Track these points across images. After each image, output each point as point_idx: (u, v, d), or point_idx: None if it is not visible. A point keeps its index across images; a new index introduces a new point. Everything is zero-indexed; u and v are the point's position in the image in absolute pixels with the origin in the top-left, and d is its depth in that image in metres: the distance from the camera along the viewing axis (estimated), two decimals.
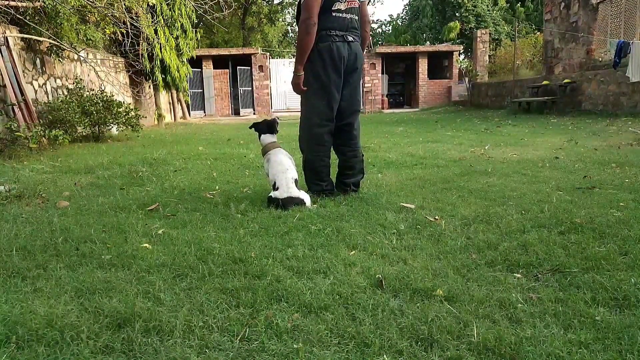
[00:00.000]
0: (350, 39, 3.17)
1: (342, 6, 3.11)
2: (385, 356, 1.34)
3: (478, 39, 20.12)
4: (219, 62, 20.51)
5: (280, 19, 33.05)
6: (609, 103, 10.11)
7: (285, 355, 1.35)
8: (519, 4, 26.48)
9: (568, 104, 11.40)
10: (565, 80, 11.44)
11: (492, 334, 1.42)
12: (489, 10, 26.52)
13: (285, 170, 3.08)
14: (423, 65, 21.14)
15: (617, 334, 1.41)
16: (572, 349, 1.34)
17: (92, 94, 8.09)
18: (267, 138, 3.32)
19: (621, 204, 2.89)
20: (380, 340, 1.41)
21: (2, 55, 6.40)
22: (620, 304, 1.61)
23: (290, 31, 37.18)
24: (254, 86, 20.37)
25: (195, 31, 12.88)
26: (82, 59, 9.28)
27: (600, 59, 11.37)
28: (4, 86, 6.47)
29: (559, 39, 12.78)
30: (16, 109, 6.51)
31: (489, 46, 21.07)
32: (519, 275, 1.89)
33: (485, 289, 1.76)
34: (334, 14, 3.09)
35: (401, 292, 1.75)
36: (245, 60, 20.37)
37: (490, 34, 22.10)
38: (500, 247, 2.20)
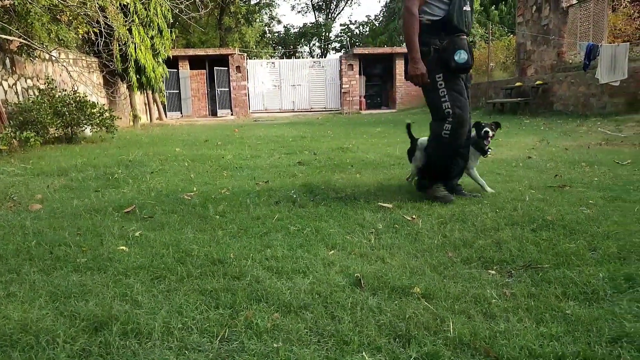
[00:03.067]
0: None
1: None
2: (364, 353, 1.36)
3: None
4: (196, 63, 20.30)
5: (258, 20, 32.93)
6: (579, 104, 10.41)
7: (265, 355, 1.36)
8: (492, 7, 27.00)
9: (540, 105, 11.69)
10: (538, 82, 11.72)
11: (468, 329, 1.46)
12: None
13: None
14: (400, 67, 21.34)
15: (586, 327, 1.46)
16: (543, 342, 1.39)
17: (65, 95, 7.91)
18: None
19: (590, 201, 2.99)
20: (359, 338, 1.43)
21: None
22: (590, 297, 1.67)
23: (267, 32, 37.10)
24: (231, 87, 20.24)
25: (171, 31, 12.73)
26: (53, 58, 9.07)
27: (571, 61, 11.70)
28: None
29: (531, 41, 13.09)
30: None
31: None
32: (493, 272, 1.94)
33: (461, 286, 1.80)
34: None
35: (379, 290, 1.78)
36: (223, 60, 20.22)
37: None
38: (476, 244, 2.25)
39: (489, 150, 3.43)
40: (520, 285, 1.79)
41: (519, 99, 12.13)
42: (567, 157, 5.00)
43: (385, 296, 1.73)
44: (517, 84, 12.58)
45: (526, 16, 13.28)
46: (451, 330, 1.46)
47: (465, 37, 3.05)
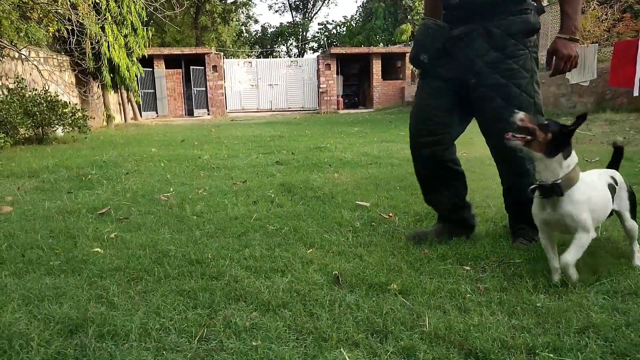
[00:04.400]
0: None
1: None
2: (342, 349, 1.38)
3: None
4: (172, 62, 20.01)
5: (234, 19, 32.68)
6: (549, 104, 10.68)
7: (244, 353, 1.37)
8: None
9: None
10: None
11: (443, 323, 1.50)
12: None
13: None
14: (377, 66, 21.51)
15: (556, 318, 1.52)
16: (515, 334, 1.43)
17: (35, 94, 7.70)
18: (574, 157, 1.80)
19: None
20: (338, 334, 1.45)
21: None
22: (559, 290, 1.73)
23: (244, 31, 36.87)
24: (208, 86, 20.02)
25: (147, 29, 12.52)
26: (23, 57, 8.81)
27: (542, 62, 12.00)
28: None
29: None
30: None
31: None
32: (468, 268, 1.99)
33: (436, 282, 1.84)
34: None
35: (357, 287, 1.81)
36: (199, 60, 19.98)
37: None
38: (451, 241, 2.30)
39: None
40: (493, 280, 1.84)
41: None
42: None
43: (363, 293, 1.75)
44: None
45: None
46: (427, 325, 1.49)
47: (429, 20, 2.23)
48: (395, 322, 1.52)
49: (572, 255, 1.74)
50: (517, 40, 2.09)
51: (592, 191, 1.79)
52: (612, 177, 1.92)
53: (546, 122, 1.76)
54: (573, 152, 1.78)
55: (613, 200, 1.89)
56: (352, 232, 2.51)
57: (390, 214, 2.83)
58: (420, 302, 1.66)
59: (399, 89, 21.74)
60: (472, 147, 6.12)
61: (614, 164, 2.01)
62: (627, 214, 1.93)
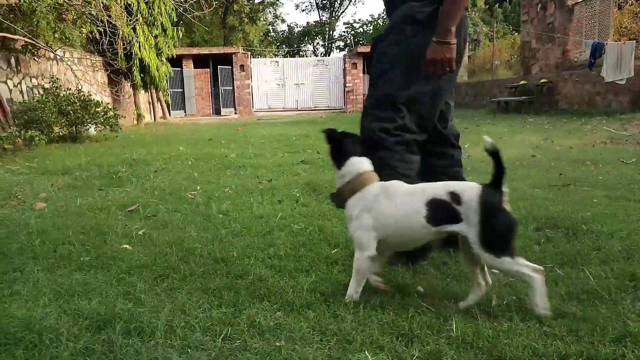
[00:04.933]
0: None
1: None
2: (366, 352, 1.36)
3: None
4: (200, 61, 20.31)
5: (262, 19, 32.93)
6: (584, 102, 10.35)
7: (267, 354, 1.36)
8: (497, 5, 26.90)
9: (545, 104, 11.64)
10: (542, 80, 11.67)
11: (471, 328, 1.46)
12: (467, 12, 26.88)
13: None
14: None
15: (590, 326, 1.45)
16: (547, 341, 1.38)
17: (69, 94, 7.94)
18: (362, 164, 1.73)
19: (595, 200, 2.98)
20: (362, 337, 1.43)
21: None
22: (593, 297, 1.66)
23: (271, 30, 37.11)
24: (235, 85, 20.24)
25: (176, 30, 12.74)
26: (58, 57, 9.10)
27: (576, 60, 11.64)
28: None
29: (536, 39, 13.03)
30: None
31: (468, 46, 21.34)
32: (496, 271, 1.93)
33: (464, 285, 1.79)
34: None
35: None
36: (227, 59, 20.22)
37: (469, 34, 22.39)
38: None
39: None
40: (523, 285, 1.78)
41: (523, 97, 12.08)
42: (571, 155, 4.98)
43: (389, 295, 1.73)
44: (522, 82, 12.53)
45: (531, 14, 13.22)
46: (454, 330, 1.45)
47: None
48: (421, 326, 1.49)
49: (351, 288, 1.66)
50: (395, 26, 1.98)
51: (375, 204, 1.62)
52: (451, 193, 1.56)
53: (333, 130, 1.74)
54: (354, 163, 1.69)
55: (445, 219, 1.57)
56: None
57: None
58: (446, 306, 1.62)
59: None
60: (501, 147, 6.00)
61: (496, 179, 1.56)
62: (474, 239, 1.52)
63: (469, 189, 1.56)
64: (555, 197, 3.12)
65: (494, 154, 1.54)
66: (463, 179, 2.07)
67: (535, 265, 1.54)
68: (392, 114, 1.92)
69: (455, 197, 1.56)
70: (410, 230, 1.61)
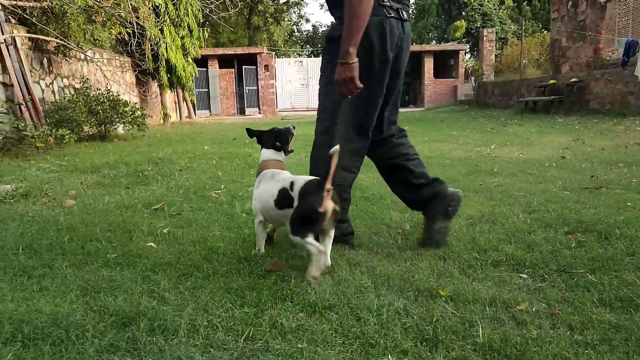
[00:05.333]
0: (404, 16, 2.09)
1: None
2: (389, 356, 1.33)
3: (484, 38, 20.05)
4: (225, 62, 20.55)
5: (286, 19, 33.08)
6: (616, 102, 10.03)
7: (289, 355, 1.35)
8: (525, 3, 26.32)
9: (575, 103, 11.33)
10: (573, 80, 11.36)
11: (498, 334, 1.41)
12: (495, 9, 26.39)
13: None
14: (429, 65, 21.09)
15: (624, 335, 1.39)
16: (578, 350, 1.33)
17: (99, 94, 8.13)
18: (267, 154, 2.28)
19: (628, 204, 2.87)
20: (385, 341, 1.41)
21: (9, 55, 6.44)
22: (628, 305, 1.59)
23: (295, 30, 37.21)
24: (259, 85, 20.40)
25: (203, 30, 12.91)
26: (88, 58, 9.33)
27: (608, 58, 11.29)
28: (12, 85, 6.51)
29: (566, 37, 12.70)
30: (23, 109, 6.56)
31: (495, 45, 20.97)
32: (525, 276, 1.88)
33: (490, 290, 1.74)
34: None
35: (406, 292, 1.75)
36: (251, 59, 20.40)
37: (496, 32, 22.00)
38: (506, 247, 2.19)
39: None
40: (553, 290, 1.72)
41: (553, 97, 11.79)
42: (603, 157, 4.82)
43: (412, 298, 1.69)
44: (551, 81, 12.22)
45: (561, 12, 12.88)
46: (480, 336, 1.41)
47: None
48: (446, 331, 1.45)
49: (257, 244, 2.18)
50: (326, 45, 2.17)
51: (260, 185, 2.16)
52: (291, 183, 1.95)
53: (249, 129, 2.39)
54: (262, 152, 2.29)
55: (285, 204, 1.95)
56: (401, 235, 2.44)
57: None
58: (472, 311, 1.58)
59: (451, 87, 21.20)
60: (529, 148, 5.85)
61: (323, 177, 1.80)
62: (288, 226, 1.91)
63: (301, 181, 1.92)
64: (586, 200, 3.02)
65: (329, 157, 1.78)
66: (422, 169, 2.38)
67: (320, 247, 1.84)
68: (331, 124, 2.13)
69: (291, 186, 1.94)
70: (269, 208, 2.04)
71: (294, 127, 2.38)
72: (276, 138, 2.29)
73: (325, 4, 2.16)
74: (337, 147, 1.78)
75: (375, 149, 2.33)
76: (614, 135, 6.85)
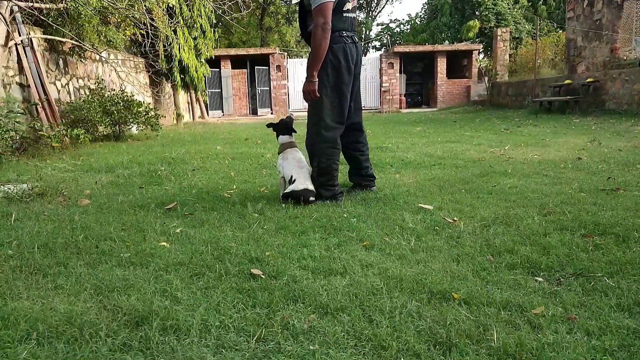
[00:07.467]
0: (356, 40, 3.21)
1: (350, 5, 3.11)
2: (402, 359, 1.32)
3: (498, 38, 19.84)
4: (237, 62, 20.64)
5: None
6: (633, 102, 9.85)
7: (301, 357, 1.34)
8: (540, 2, 26.02)
9: (591, 104, 11.16)
10: (589, 80, 11.19)
11: (513, 339, 1.39)
12: (509, 9, 26.12)
13: (303, 167, 3.26)
14: (442, 65, 20.94)
15: None
16: (596, 356, 1.30)
17: (113, 94, 8.22)
18: (285, 138, 3.44)
19: None
20: (398, 343, 1.39)
21: (26, 56, 6.55)
22: None
23: None
24: (271, 86, 20.45)
25: (214, 31, 12.99)
26: (103, 59, 9.44)
27: (625, 58, 11.10)
28: (28, 86, 6.61)
29: (582, 37, 12.52)
30: (39, 109, 6.66)
31: (510, 45, 20.75)
32: (540, 279, 1.85)
33: (505, 293, 1.72)
34: (344, 14, 3.09)
35: (419, 294, 1.73)
36: (263, 60, 20.45)
37: (510, 32, 21.76)
38: (521, 249, 2.15)
39: None
40: (570, 294, 1.69)
41: (568, 97, 11.62)
42: (620, 158, 4.73)
43: (425, 301, 1.68)
44: (567, 81, 12.06)
45: (577, 11, 12.70)
46: (495, 340, 1.39)
47: None
48: (460, 334, 1.43)
49: (280, 192, 3.37)
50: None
51: (283, 160, 3.32)
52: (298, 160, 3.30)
53: (271, 123, 3.59)
54: (281, 138, 3.46)
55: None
56: (414, 236, 2.42)
57: (455, 219, 2.70)
58: (486, 314, 1.56)
59: (464, 87, 21.03)
60: (544, 149, 5.77)
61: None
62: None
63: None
64: (603, 202, 2.97)
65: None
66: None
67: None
68: (318, 118, 3.21)
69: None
70: (294, 166, 3.23)
71: (293, 114, 3.60)
72: (286, 126, 3.45)
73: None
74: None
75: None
76: (632, 136, 6.72)
